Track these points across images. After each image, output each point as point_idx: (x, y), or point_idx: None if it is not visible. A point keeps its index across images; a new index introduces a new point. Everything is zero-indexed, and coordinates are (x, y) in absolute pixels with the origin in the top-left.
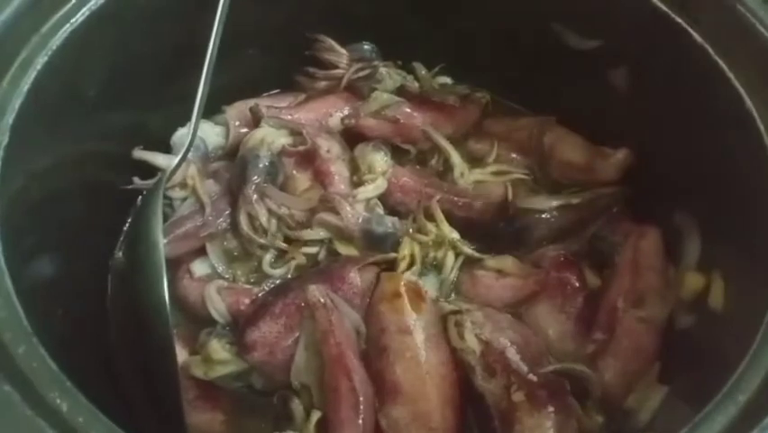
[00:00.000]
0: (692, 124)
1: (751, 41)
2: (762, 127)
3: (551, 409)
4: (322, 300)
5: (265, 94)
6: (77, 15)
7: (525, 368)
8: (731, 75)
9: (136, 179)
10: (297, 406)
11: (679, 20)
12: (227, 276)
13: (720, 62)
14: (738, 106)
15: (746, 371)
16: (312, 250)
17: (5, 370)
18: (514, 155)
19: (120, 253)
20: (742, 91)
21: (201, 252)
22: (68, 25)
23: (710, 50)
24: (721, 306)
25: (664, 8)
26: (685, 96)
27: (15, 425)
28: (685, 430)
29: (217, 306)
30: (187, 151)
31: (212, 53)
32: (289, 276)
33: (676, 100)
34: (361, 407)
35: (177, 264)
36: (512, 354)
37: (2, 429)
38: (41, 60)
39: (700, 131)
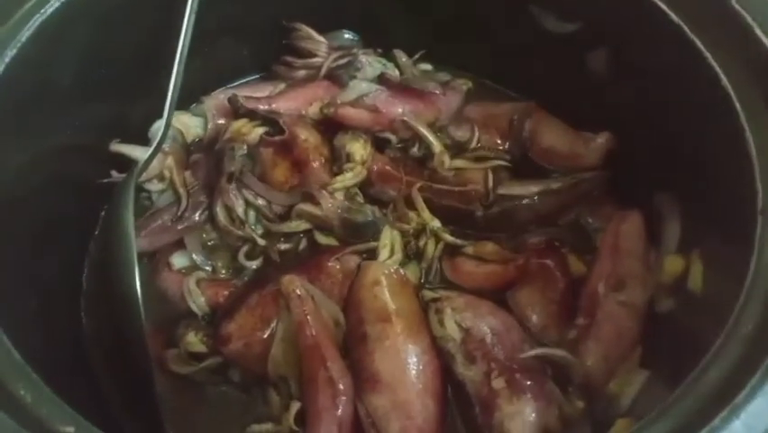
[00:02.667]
0: (671, 106)
1: (727, 20)
2: (738, 106)
3: (530, 394)
4: (297, 291)
5: (245, 80)
6: (48, 6)
7: (505, 354)
8: (708, 54)
9: (114, 173)
10: (274, 397)
11: None
12: (207, 268)
13: (697, 41)
14: (715, 86)
15: (718, 353)
16: (291, 242)
17: None
18: (495, 141)
19: (94, 246)
20: (718, 70)
21: (181, 244)
22: (38, 16)
23: (686, 29)
24: (700, 289)
25: None
26: (663, 77)
27: None
28: (656, 411)
29: (196, 298)
30: (160, 143)
31: (183, 44)
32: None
33: (654, 82)
34: (340, 397)
35: (156, 257)
36: (492, 341)
37: None
38: (10, 53)
39: (679, 112)
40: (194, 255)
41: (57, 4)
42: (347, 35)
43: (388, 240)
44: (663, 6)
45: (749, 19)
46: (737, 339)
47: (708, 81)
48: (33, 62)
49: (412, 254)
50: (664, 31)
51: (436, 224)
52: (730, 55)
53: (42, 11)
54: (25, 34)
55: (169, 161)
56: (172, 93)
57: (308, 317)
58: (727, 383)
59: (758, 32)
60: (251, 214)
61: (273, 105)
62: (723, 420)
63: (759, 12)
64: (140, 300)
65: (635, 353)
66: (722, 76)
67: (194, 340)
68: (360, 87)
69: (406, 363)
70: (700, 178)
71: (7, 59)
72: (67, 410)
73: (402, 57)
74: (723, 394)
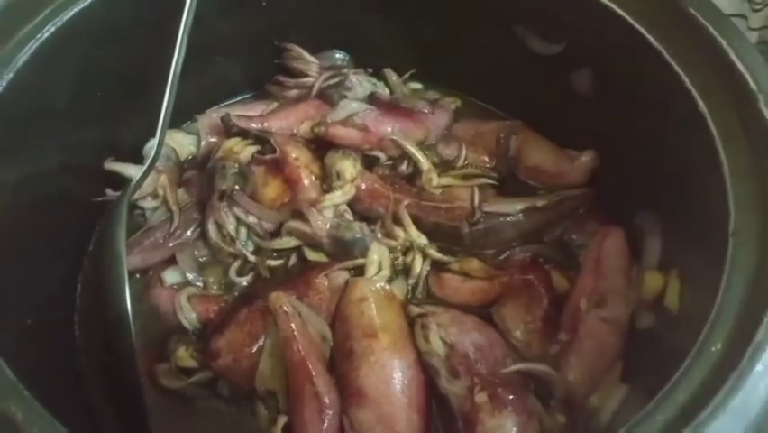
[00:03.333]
0: (652, 127)
1: (704, 45)
2: (713, 129)
3: (512, 409)
4: (284, 308)
5: (238, 99)
6: (43, 31)
7: (488, 369)
8: (686, 79)
9: (108, 191)
10: (262, 411)
11: (635, 23)
12: (198, 284)
13: (674, 65)
14: (692, 108)
15: (687, 371)
16: (282, 258)
17: None
18: (482, 159)
19: (87, 262)
20: (695, 93)
21: (173, 260)
22: (33, 41)
23: (665, 53)
24: (676, 306)
25: (622, 12)
26: (644, 98)
27: None
28: (625, 428)
29: (187, 314)
30: (154, 161)
31: (177, 63)
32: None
33: (636, 103)
34: (326, 411)
35: (149, 273)
36: (476, 356)
37: None
38: (7, 77)
39: (660, 133)
40: (186, 272)
41: (52, 29)
42: (338, 55)
43: (376, 256)
44: (642, 30)
45: (725, 44)
46: (706, 357)
47: (686, 104)
48: (30, 85)
49: (399, 270)
50: (643, 53)
51: (423, 240)
52: (707, 78)
53: (38, 35)
54: (21, 59)
55: (163, 179)
56: (165, 112)
57: (295, 333)
58: (694, 401)
59: (733, 56)
60: (242, 231)
61: (265, 124)
62: None
63: (734, 37)
64: (130, 317)
65: (616, 368)
66: (699, 100)
67: (184, 355)
68: (350, 106)
69: (391, 378)
70: (679, 198)
71: (4, 83)
72: (58, 428)
73: (392, 76)
74: (689, 412)
